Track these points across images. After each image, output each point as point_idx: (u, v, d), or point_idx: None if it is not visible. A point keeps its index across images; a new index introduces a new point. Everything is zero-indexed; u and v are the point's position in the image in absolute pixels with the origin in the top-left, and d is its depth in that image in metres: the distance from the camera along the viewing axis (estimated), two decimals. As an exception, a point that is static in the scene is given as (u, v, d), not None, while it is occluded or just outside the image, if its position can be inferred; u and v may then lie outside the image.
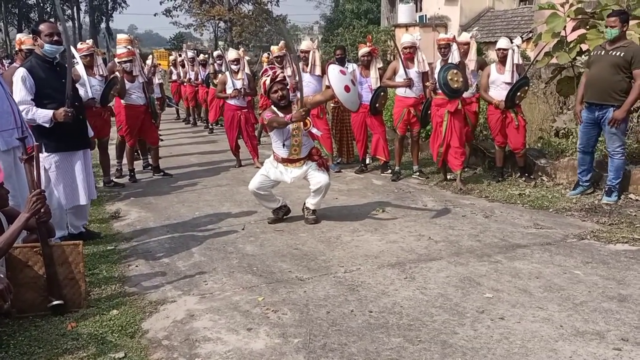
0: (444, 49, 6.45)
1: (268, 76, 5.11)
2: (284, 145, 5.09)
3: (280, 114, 5.05)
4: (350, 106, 4.99)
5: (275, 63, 8.29)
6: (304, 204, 5.42)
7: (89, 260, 4.29)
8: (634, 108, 6.60)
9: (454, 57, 6.44)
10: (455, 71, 6.11)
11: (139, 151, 8.44)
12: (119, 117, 7.34)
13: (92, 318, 3.37)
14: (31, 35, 6.05)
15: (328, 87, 5.02)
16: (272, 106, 5.22)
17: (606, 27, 5.49)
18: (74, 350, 3.00)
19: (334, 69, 4.83)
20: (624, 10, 5.69)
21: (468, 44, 6.81)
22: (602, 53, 5.52)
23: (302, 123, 5.03)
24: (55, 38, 4.40)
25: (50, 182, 4.54)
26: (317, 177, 5.17)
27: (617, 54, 5.35)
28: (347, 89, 4.73)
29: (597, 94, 5.50)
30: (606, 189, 5.66)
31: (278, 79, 5.09)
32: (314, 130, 5.15)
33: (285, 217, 5.44)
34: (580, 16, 6.60)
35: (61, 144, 4.54)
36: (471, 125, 7.09)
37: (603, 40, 5.74)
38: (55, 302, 3.39)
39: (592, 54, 5.75)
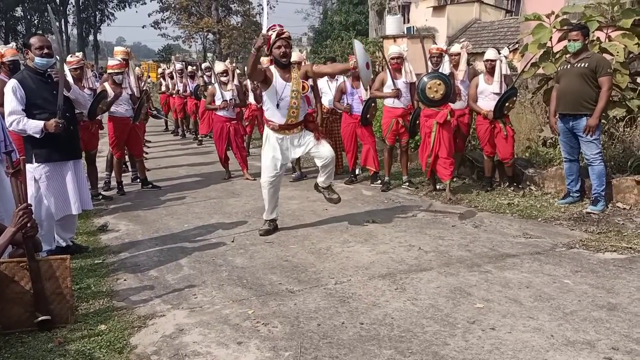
0: (437, 58, 6.52)
1: (274, 31, 4.93)
2: (278, 106, 5.00)
3: (278, 75, 5.00)
4: (364, 81, 5.15)
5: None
6: (317, 185, 5.44)
7: (76, 274, 4.24)
8: (620, 117, 6.69)
9: (445, 68, 6.51)
10: (439, 82, 6.13)
11: (127, 164, 8.40)
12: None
13: (80, 333, 3.33)
14: (12, 45, 6.04)
15: (333, 63, 5.11)
16: (272, 65, 5.11)
17: (569, 41, 5.73)
18: (61, 367, 2.96)
19: (359, 44, 4.89)
20: (584, 25, 5.94)
21: (459, 54, 6.87)
22: (568, 67, 5.78)
23: (300, 86, 5.01)
24: (46, 51, 4.40)
25: (39, 192, 4.50)
26: (321, 152, 5.17)
27: (583, 65, 5.61)
28: (367, 66, 4.83)
29: (569, 105, 5.73)
30: (592, 199, 5.72)
31: (284, 36, 4.94)
32: (311, 95, 5.13)
33: (274, 231, 5.40)
34: (565, 27, 6.67)
35: (52, 154, 4.52)
36: (463, 137, 7.14)
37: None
38: (42, 318, 3.33)
39: (559, 68, 5.99)
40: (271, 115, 5.10)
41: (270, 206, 5.35)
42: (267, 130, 5.21)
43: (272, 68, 5.07)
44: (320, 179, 5.37)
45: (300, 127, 5.17)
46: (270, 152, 5.17)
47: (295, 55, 7.71)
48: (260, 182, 5.35)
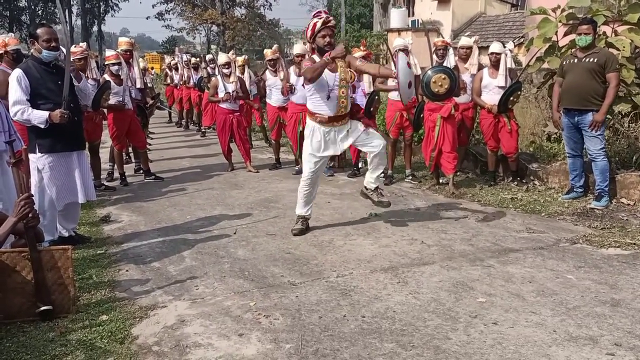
0: (442, 51, 6.47)
1: (320, 18, 4.71)
2: (328, 97, 4.76)
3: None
4: (404, 98, 4.93)
5: (269, 66, 8.28)
6: (363, 190, 5.23)
7: (78, 264, 4.24)
8: (625, 113, 6.65)
9: (450, 61, 6.46)
10: (444, 76, 6.05)
11: (130, 154, 8.40)
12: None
13: (82, 323, 3.33)
14: (13, 35, 6.01)
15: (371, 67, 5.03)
16: (313, 55, 4.91)
17: (579, 34, 5.66)
18: (62, 357, 2.96)
19: (403, 59, 4.67)
20: (593, 19, 5.88)
21: (471, 48, 6.82)
22: (575, 61, 5.71)
23: (348, 75, 4.81)
24: (53, 44, 4.40)
25: (42, 182, 4.50)
26: (373, 141, 4.93)
27: (591, 60, 5.55)
28: (410, 85, 4.67)
29: (576, 100, 5.67)
30: (596, 194, 5.70)
31: (330, 24, 4.73)
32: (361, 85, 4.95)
33: (307, 230, 5.15)
34: (571, 21, 6.64)
35: (55, 144, 4.52)
36: (467, 131, 7.11)
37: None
38: (43, 308, 3.33)
39: (564, 63, 5.91)
40: (318, 107, 4.86)
41: (305, 200, 5.11)
42: (311, 124, 4.92)
43: (316, 58, 4.84)
44: (372, 176, 5.11)
45: (347, 118, 4.95)
46: (315, 146, 4.93)
47: (299, 48, 7.69)
48: (302, 177, 5.11)
